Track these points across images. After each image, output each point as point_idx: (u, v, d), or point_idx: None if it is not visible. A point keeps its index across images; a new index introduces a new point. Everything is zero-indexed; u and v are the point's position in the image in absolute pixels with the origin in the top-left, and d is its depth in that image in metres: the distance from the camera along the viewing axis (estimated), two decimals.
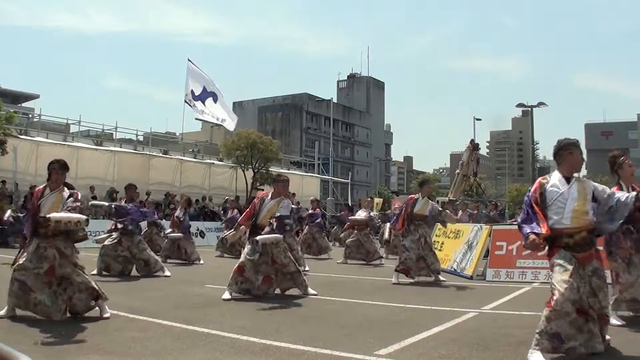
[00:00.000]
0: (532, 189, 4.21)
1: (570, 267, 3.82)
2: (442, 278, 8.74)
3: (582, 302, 3.75)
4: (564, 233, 3.94)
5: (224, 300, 6.50)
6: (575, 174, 4.08)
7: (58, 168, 5.34)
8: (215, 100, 25.62)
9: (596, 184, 4.14)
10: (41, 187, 5.51)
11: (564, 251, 3.92)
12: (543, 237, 3.89)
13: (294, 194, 12.93)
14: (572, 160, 4.07)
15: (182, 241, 11.98)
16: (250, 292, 6.71)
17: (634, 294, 5.09)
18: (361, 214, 13.48)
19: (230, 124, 26.31)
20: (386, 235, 14.79)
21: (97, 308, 5.25)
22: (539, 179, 4.26)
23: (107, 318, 5.14)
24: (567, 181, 4.03)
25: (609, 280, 5.55)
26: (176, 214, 12.45)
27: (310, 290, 6.99)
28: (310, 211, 14.55)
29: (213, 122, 26.64)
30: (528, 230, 3.95)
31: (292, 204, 9.17)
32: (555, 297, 3.72)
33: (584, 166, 4.28)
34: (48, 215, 4.98)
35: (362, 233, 12.84)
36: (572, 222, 3.92)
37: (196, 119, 26.60)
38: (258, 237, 6.59)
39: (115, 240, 9.08)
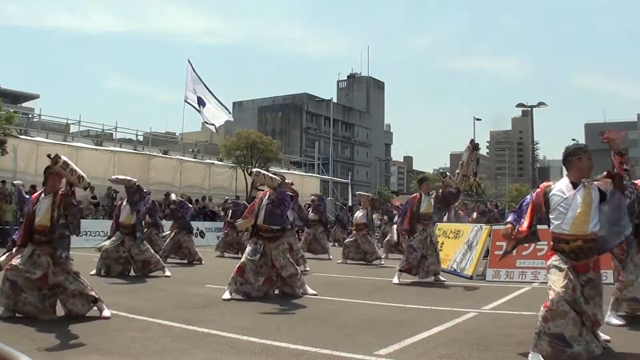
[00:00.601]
0: (535, 193, 4.23)
1: (565, 267, 3.84)
2: (442, 278, 8.73)
3: (578, 303, 3.76)
4: (561, 238, 3.97)
5: (224, 300, 6.50)
6: (584, 180, 4.05)
7: (55, 174, 5.26)
8: (203, 105, 25.67)
9: None
10: (37, 193, 5.49)
11: (562, 255, 3.95)
12: (517, 233, 4.20)
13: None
14: (580, 166, 4.05)
15: (185, 240, 11.97)
16: (250, 294, 6.69)
17: (635, 293, 5.08)
18: (359, 214, 13.44)
19: (213, 125, 25.90)
20: (395, 238, 14.51)
21: (96, 308, 5.24)
22: (543, 184, 4.26)
23: (107, 318, 5.13)
24: (574, 187, 4.01)
25: (610, 279, 5.57)
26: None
27: (310, 290, 6.98)
28: (315, 196, 14.48)
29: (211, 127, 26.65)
30: (509, 219, 4.34)
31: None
32: (551, 297, 3.75)
33: None
34: (61, 156, 5.02)
35: (360, 233, 12.81)
36: (570, 229, 3.93)
37: (216, 128, 26.89)
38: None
39: (119, 242, 9.04)
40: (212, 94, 25.83)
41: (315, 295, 6.90)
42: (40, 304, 5.09)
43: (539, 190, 4.23)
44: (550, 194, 4.07)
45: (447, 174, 9.13)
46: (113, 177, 9.66)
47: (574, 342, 3.67)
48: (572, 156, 4.08)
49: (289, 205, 7.07)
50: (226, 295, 6.61)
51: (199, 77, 25.65)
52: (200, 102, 25.51)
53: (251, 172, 6.99)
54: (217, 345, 4.22)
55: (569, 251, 3.92)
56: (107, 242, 9.17)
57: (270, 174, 7.06)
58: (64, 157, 5.06)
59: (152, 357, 3.87)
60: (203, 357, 3.88)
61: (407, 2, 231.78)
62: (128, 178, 9.37)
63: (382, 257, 13.27)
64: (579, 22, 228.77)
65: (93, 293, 5.22)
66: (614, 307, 5.13)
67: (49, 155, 5.09)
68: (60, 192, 5.16)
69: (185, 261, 11.80)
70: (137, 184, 9.17)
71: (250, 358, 3.88)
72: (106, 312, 5.20)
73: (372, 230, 13.84)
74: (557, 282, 3.80)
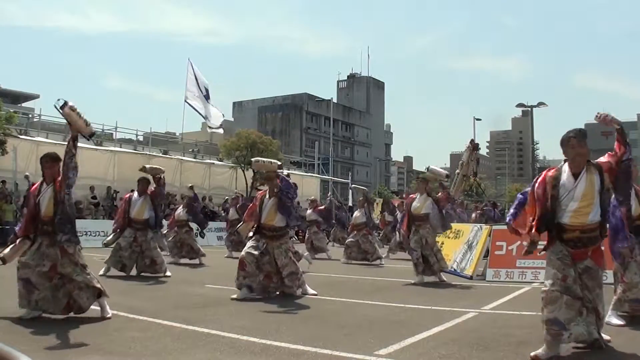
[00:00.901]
0: (538, 183, 4.08)
1: (555, 258, 3.91)
2: (443, 278, 8.74)
3: (572, 290, 3.78)
4: (559, 228, 3.99)
5: (232, 299, 6.48)
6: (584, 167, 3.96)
7: (50, 162, 5.25)
8: (204, 105, 25.81)
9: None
10: (36, 184, 5.44)
11: (558, 244, 3.98)
12: (529, 229, 4.12)
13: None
14: (570, 154, 3.98)
15: (186, 238, 11.90)
16: (252, 288, 6.70)
17: (638, 294, 5.07)
18: (357, 213, 13.43)
19: (219, 128, 26.93)
20: (400, 239, 14.43)
21: (98, 308, 5.22)
22: (546, 174, 4.11)
23: (108, 318, 5.13)
24: (575, 177, 3.96)
25: (610, 280, 5.56)
26: (177, 212, 12.35)
27: (310, 290, 6.99)
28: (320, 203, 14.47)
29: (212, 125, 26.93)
30: (511, 225, 4.39)
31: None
32: (542, 288, 3.89)
33: None
34: (69, 102, 5.05)
35: (361, 233, 12.80)
36: (569, 220, 3.94)
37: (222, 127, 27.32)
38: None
39: (131, 239, 8.98)
40: (206, 98, 25.95)
41: (315, 295, 6.90)
42: (53, 299, 5.04)
43: (540, 179, 4.07)
44: (555, 186, 3.98)
45: (430, 166, 9.35)
46: (147, 166, 9.55)
47: (569, 324, 3.69)
48: (563, 145, 4.01)
49: (295, 192, 7.07)
50: (235, 295, 6.59)
51: (197, 81, 25.70)
52: (203, 102, 25.66)
53: (251, 161, 7.23)
54: (217, 345, 4.22)
55: (567, 240, 3.95)
56: (120, 239, 9.02)
57: (269, 159, 7.49)
58: (71, 102, 5.07)
59: (152, 357, 3.87)
60: (203, 357, 3.88)
61: (407, 2, 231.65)
62: (158, 167, 9.55)
63: (383, 256, 13.24)
64: (579, 22, 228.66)
65: (99, 286, 5.21)
66: (616, 307, 5.13)
67: (55, 106, 5.10)
68: (59, 177, 5.14)
69: (188, 259, 11.77)
70: (163, 177, 9.40)
71: (250, 358, 3.88)
72: (107, 310, 5.19)
73: (372, 228, 13.80)
74: (548, 271, 3.93)
